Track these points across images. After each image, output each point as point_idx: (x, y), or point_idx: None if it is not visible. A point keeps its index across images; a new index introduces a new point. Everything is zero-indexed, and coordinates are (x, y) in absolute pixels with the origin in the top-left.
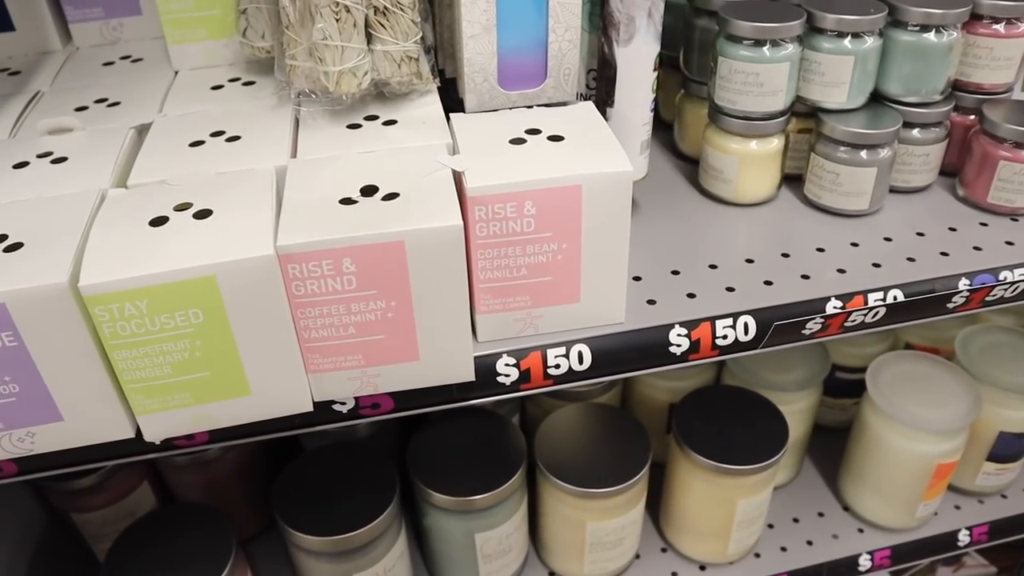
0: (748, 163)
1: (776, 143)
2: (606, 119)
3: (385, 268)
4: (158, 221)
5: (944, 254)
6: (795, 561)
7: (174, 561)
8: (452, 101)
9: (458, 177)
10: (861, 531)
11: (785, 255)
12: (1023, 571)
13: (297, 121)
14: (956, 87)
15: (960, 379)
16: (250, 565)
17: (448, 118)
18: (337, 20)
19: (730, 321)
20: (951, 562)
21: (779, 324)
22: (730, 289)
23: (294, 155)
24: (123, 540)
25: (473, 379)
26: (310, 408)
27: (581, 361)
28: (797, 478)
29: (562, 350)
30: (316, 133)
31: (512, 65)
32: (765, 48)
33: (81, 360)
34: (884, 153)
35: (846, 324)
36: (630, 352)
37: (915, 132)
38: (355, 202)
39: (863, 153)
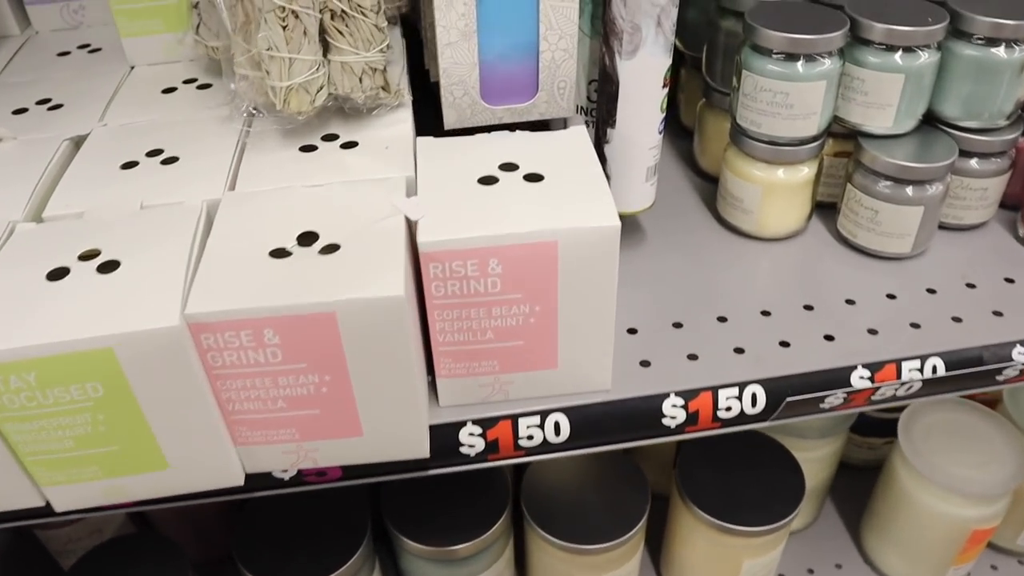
0: (772, 193)
1: (806, 172)
2: (606, 141)
3: (315, 340)
4: (58, 274)
5: (998, 313)
6: None
7: None
8: (439, 110)
9: (413, 225)
10: None
11: (808, 307)
12: None
13: (245, 140)
14: None
15: (1006, 433)
16: None
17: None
18: (284, 27)
19: (735, 391)
20: None
21: (792, 400)
22: (739, 350)
23: (233, 185)
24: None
25: (427, 456)
26: (240, 482)
27: (558, 432)
28: (815, 523)
29: (535, 420)
30: (263, 156)
31: (497, 77)
32: (798, 63)
33: None
34: (934, 189)
35: (873, 399)
36: (616, 423)
37: (973, 162)
38: (288, 254)
39: (909, 189)
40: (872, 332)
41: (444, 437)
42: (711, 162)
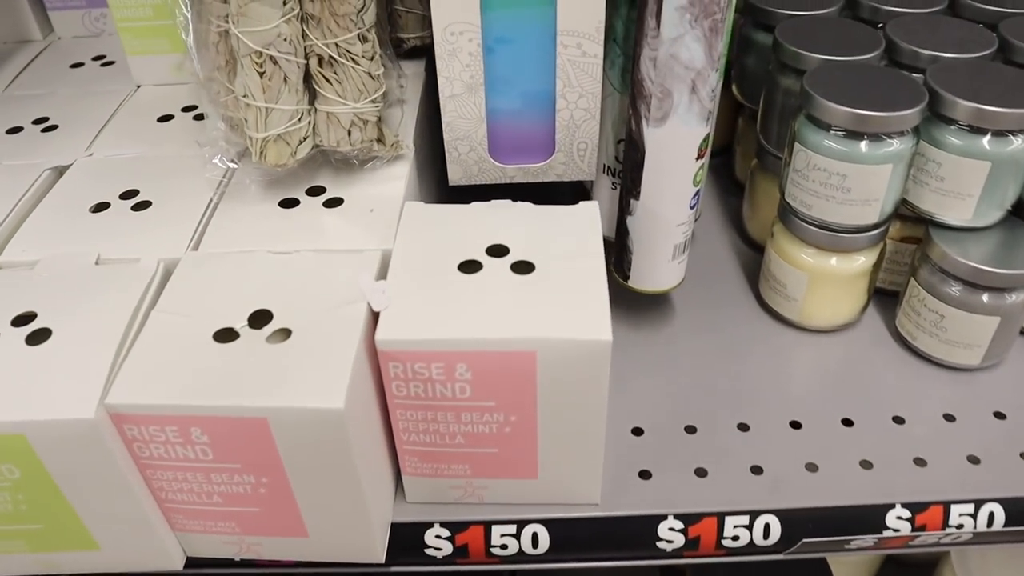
0: (821, 283)
1: (863, 261)
2: (629, 212)
3: (247, 443)
4: None
5: None
6: None
7: None
8: None
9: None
10: None
11: (847, 422)
12: None
13: (225, 189)
14: None
15: None
16: None
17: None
18: (261, 74)
19: (746, 519)
20: None
21: (811, 542)
22: (757, 470)
23: (198, 244)
24: None
25: (382, 561)
26: (179, 567)
27: (536, 544)
28: None
29: (511, 528)
30: (239, 210)
31: (507, 133)
32: (862, 143)
33: None
34: (1015, 298)
35: (911, 544)
36: (602, 541)
37: None
38: (235, 336)
39: (984, 296)
40: (919, 463)
41: (409, 536)
42: (760, 230)
